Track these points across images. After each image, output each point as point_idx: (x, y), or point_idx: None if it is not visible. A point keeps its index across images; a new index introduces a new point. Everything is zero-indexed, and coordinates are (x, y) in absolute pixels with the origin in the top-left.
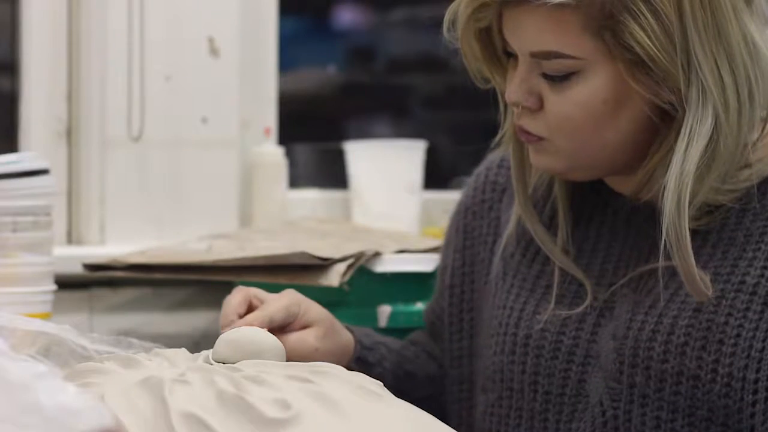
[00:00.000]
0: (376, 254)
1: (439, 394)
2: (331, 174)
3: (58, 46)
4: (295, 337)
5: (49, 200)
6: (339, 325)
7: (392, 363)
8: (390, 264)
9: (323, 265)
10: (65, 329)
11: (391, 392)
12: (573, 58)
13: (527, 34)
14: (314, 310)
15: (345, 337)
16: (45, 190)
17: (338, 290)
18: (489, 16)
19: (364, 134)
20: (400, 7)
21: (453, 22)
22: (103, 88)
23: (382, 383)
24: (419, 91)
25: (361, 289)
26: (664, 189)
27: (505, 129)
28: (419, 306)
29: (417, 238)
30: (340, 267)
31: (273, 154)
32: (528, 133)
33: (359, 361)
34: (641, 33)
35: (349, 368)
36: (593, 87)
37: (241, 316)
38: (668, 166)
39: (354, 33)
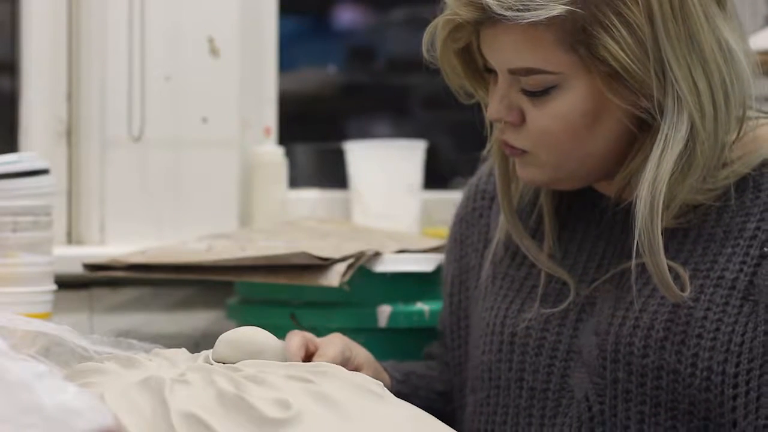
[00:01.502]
0: (376, 254)
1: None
2: (331, 174)
3: (58, 46)
4: None
5: (49, 200)
6: (378, 365)
7: (426, 389)
8: (390, 264)
9: (323, 265)
10: (65, 330)
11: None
12: (550, 73)
13: (504, 52)
14: (361, 353)
15: (384, 377)
16: (45, 190)
17: (338, 290)
18: (466, 37)
19: (364, 134)
20: (400, 7)
21: (432, 44)
22: (103, 88)
23: (381, 384)
24: (419, 91)
25: (361, 289)
26: (636, 196)
27: (492, 143)
28: (419, 306)
29: (417, 238)
30: (340, 267)
31: (273, 154)
32: (512, 147)
33: (398, 396)
34: (614, 45)
35: None
36: (572, 100)
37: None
38: (643, 172)
39: (354, 33)
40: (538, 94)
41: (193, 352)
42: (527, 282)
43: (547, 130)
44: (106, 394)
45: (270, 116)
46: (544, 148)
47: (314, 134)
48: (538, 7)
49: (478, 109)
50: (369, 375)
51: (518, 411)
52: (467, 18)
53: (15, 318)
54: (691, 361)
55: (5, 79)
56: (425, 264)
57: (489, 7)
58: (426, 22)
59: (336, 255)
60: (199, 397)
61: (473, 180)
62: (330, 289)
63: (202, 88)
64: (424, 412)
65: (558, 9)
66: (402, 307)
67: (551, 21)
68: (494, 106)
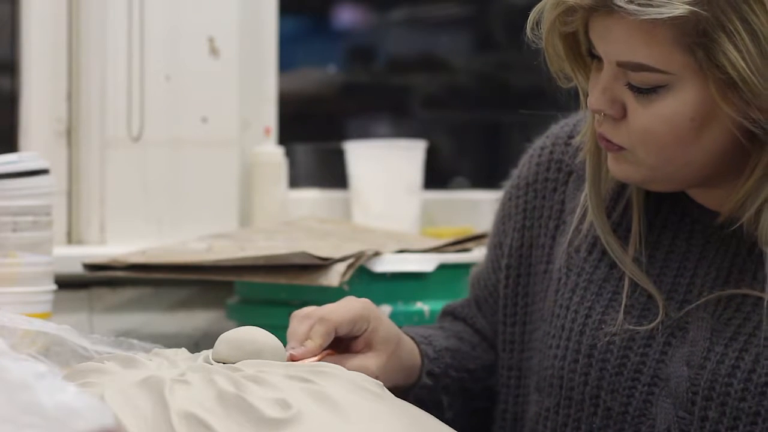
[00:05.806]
0: (376, 254)
1: (495, 382)
2: (331, 174)
3: (58, 46)
4: (356, 364)
5: (49, 200)
6: (405, 342)
7: (457, 369)
8: (390, 264)
9: (323, 265)
10: (65, 329)
11: (456, 394)
12: (662, 72)
13: (615, 43)
14: (382, 329)
15: (410, 356)
16: (45, 190)
17: (338, 290)
18: (576, 21)
19: (364, 134)
20: (400, 7)
21: (537, 23)
22: (103, 88)
23: (381, 384)
24: (419, 91)
25: (361, 289)
26: (760, 227)
27: (586, 128)
28: (419, 306)
29: (417, 238)
30: (340, 267)
31: (273, 154)
32: (608, 141)
33: (428, 376)
34: (735, 53)
35: (419, 386)
36: (680, 103)
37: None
38: (764, 194)
39: (354, 33)
40: (644, 92)
41: (193, 352)
42: (607, 285)
43: (650, 130)
44: (106, 394)
45: (270, 116)
46: (644, 148)
47: (314, 134)
48: (661, 3)
49: (477, 108)
50: (383, 358)
51: (591, 429)
52: (581, 3)
53: (15, 318)
54: None
55: (5, 79)
56: (425, 264)
57: None
58: (425, 22)
59: (336, 255)
60: (198, 397)
61: (546, 143)
62: (330, 289)
63: (201, 87)
64: (423, 411)
65: (682, 8)
66: (402, 307)
67: (673, 20)
68: (596, 97)
